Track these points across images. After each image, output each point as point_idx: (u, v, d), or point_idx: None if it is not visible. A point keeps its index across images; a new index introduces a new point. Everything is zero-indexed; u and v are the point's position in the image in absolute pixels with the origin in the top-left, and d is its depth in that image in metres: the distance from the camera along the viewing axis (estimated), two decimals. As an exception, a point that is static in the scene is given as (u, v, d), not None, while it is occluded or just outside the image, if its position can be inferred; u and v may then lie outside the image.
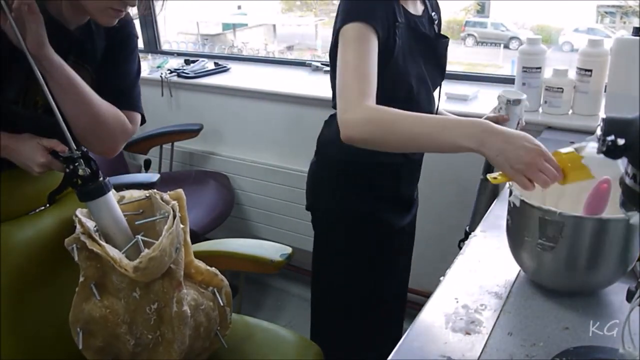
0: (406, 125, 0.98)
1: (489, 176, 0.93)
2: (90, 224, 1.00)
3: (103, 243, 0.96)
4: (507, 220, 0.90)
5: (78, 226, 1.00)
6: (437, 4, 1.35)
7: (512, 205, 0.87)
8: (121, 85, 1.16)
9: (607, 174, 0.84)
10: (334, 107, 1.15)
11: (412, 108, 1.16)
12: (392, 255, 1.43)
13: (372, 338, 1.50)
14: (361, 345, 1.49)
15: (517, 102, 1.30)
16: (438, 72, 1.33)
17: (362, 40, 1.06)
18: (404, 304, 1.65)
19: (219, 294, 1.11)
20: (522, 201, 0.84)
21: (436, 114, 1.41)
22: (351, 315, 1.46)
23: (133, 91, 1.18)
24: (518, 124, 1.33)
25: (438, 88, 1.38)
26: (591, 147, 0.88)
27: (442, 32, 1.37)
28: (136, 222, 1.06)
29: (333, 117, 1.34)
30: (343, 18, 1.09)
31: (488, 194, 1.51)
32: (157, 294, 0.99)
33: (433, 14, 1.30)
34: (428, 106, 1.30)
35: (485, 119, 1.15)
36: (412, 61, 1.22)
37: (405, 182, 1.38)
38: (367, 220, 1.34)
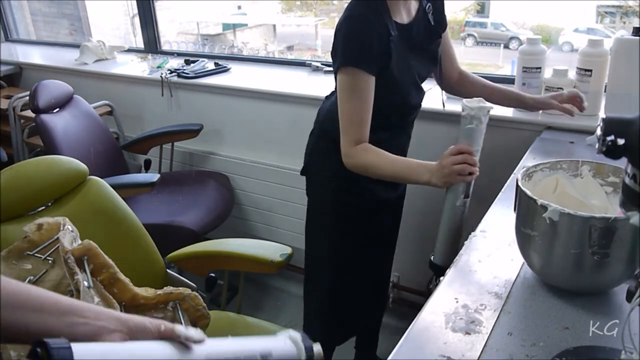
0: (378, 170, 1.25)
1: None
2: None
3: None
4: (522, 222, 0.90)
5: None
6: None
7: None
8: None
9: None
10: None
11: (402, 107, 1.36)
12: (373, 228, 1.51)
13: (346, 316, 1.61)
14: (335, 321, 1.61)
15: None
16: (431, 63, 1.40)
17: (357, 87, 1.22)
18: (384, 292, 1.77)
19: (180, 306, 1.04)
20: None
21: (444, 105, 1.61)
22: (335, 290, 1.56)
23: None
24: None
25: (438, 71, 1.46)
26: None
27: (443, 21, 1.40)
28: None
29: (333, 93, 1.43)
30: (342, 60, 1.21)
31: (456, 219, 1.32)
32: None
33: (428, 5, 1.33)
34: (416, 100, 1.39)
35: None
36: (406, 69, 1.29)
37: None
38: (352, 188, 1.42)
